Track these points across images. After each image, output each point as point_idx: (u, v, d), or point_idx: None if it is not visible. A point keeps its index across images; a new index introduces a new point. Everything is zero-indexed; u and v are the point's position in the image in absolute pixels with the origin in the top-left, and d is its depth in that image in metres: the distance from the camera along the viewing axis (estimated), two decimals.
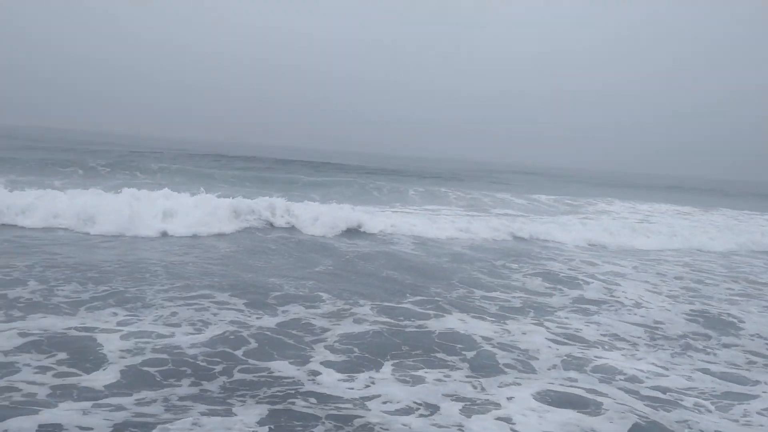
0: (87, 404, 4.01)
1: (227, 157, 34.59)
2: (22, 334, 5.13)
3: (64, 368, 4.55)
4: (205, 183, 21.18)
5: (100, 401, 4.08)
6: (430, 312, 7.03)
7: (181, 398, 4.25)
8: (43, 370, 4.48)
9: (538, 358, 5.73)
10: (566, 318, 7.33)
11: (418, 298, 7.66)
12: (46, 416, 3.76)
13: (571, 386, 5.08)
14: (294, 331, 5.93)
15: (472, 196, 23.88)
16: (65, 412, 3.84)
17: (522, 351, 5.89)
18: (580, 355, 5.94)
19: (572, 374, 5.39)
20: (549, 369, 5.48)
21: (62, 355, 4.77)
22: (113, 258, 8.42)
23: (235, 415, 4.04)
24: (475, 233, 14.01)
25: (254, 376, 4.74)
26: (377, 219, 13.59)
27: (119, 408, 3.98)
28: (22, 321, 5.48)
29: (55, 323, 5.49)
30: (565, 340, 6.39)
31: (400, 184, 26.09)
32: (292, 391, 4.51)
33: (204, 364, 4.89)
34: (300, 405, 4.29)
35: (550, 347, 6.09)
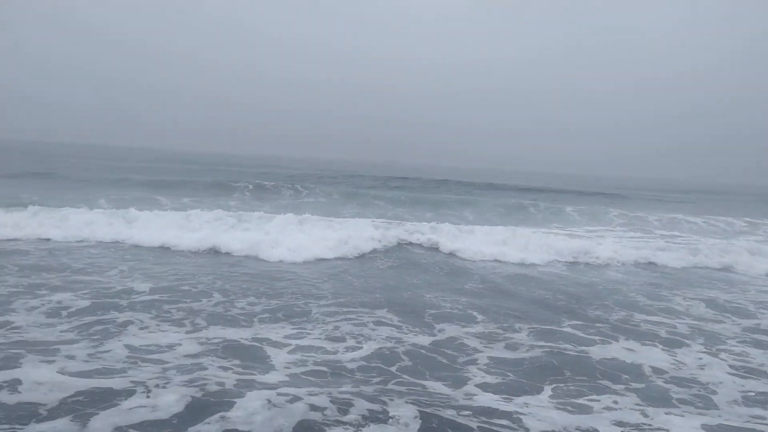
0: (269, 392, 4.40)
1: (383, 177, 35.71)
2: (204, 342, 5.67)
3: (240, 369, 4.96)
4: (364, 202, 22.12)
5: (279, 390, 4.48)
6: (595, 338, 6.73)
7: (342, 392, 4.52)
8: (224, 369, 4.93)
9: (716, 392, 5.27)
10: (743, 349, 6.67)
11: (576, 322, 7.37)
12: (241, 400, 4.24)
13: (758, 423, 4.61)
14: (448, 350, 5.97)
15: (635, 215, 22.53)
16: (252, 401, 4.24)
17: (700, 384, 5.44)
18: (765, 390, 5.38)
19: (757, 411, 4.89)
20: (729, 403, 5.02)
21: (237, 361, 5.19)
22: (287, 276, 9.12)
23: (390, 413, 4.21)
24: (629, 255, 13.16)
25: (407, 389, 4.84)
26: (538, 255, 12.52)
27: (296, 399, 4.31)
28: (205, 330, 6.07)
29: (231, 333, 6.01)
30: (746, 374, 5.81)
31: (556, 202, 25.30)
32: (443, 404, 4.54)
33: (360, 376, 5.07)
34: (451, 413, 4.32)
35: (734, 381, 5.57)
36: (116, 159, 49.01)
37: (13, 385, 4.30)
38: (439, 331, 6.62)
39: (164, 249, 10.75)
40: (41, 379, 4.43)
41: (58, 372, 4.61)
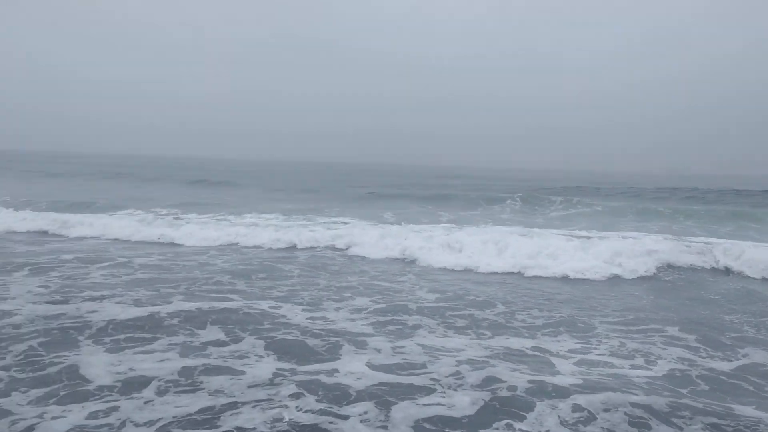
0: (560, 407, 4.42)
1: (668, 188, 32.86)
2: (489, 348, 5.91)
3: (527, 378, 5.03)
4: (644, 214, 20.70)
5: (569, 402, 4.46)
6: None
7: (635, 410, 4.34)
8: (512, 376, 5.05)
9: None
10: None
11: None
12: (531, 413, 4.28)
13: None
14: (753, 378, 5.34)
15: None
16: (543, 415, 4.30)
17: None
18: None
19: None
20: None
21: (523, 369, 5.29)
22: (567, 290, 9.08)
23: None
24: None
25: (704, 412, 4.44)
26: None
27: (589, 419, 4.25)
28: (490, 338, 6.33)
29: (515, 342, 6.17)
30: None
31: None
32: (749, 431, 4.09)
33: (651, 396, 4.81)
34: None
35: None
36: (388, 175, 53.30)
37: (332, 372, 5.03)
38: (743, 356, 5.95)
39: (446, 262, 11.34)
40: (353, 369, 5.11)
41: (366, 364, 5.26)
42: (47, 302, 6.98)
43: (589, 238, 13.07)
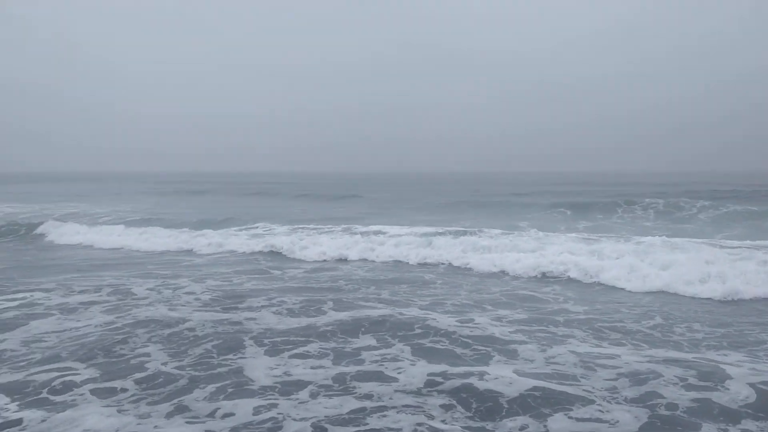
0: (728, 425, 4.17)
1: None
2: (646, 359, 5.62)
3: (690, 394, 4.74)
4: None
5: (737, 423, 4.22)
6: None
7: None
8: (673, 391, 4.79)
9: None
10: None
11: None
12: None
13: None
14: None
15: None
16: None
17: None
18: None
19: None
20: None
21: (686, 383, 4.97)
22: (729, 303, 8.44)
23: None
24: None
25: None
26: None
27: None
28: (646, 349, 6.03)
29: (673, 354, 5.82)
30: None
31: None
32: None
33: None
34: None
35: None
36: (510, 184, 52.00)
37: (482, 379, 5.03)
38: None
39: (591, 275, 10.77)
40: (504, 376, 5.08)
41: (516, 372, 5.21)
42: (213, 310, 7.60)
43: (749, 248, 11.95)
